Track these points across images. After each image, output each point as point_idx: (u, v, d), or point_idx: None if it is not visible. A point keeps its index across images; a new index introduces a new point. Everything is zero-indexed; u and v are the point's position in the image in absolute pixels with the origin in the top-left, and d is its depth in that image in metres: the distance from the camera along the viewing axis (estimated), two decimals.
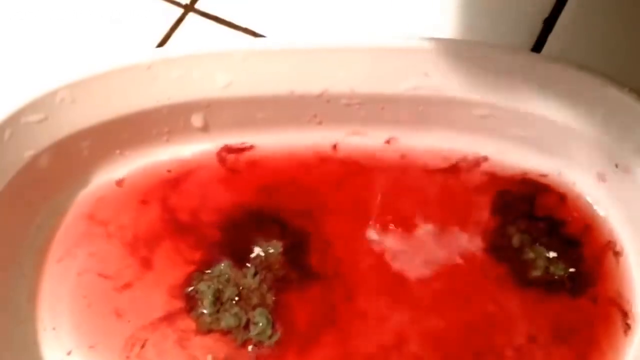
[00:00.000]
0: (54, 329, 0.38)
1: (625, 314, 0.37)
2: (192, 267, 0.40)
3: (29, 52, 0.39)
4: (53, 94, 0.37)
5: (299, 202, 0.41)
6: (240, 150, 0.43)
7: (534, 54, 0.43)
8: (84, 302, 0.39)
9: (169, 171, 0.43)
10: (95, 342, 0.38)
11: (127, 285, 0.40)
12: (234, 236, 0.41)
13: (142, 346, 0.38)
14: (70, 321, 0.39)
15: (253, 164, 0.43)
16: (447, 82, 0.40)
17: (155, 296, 0.39)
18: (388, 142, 0.43)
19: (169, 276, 0.40)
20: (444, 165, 0.42)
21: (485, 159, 0.42)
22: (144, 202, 0.42)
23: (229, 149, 0.43)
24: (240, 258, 0.40)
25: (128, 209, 0.42)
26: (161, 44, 0.44)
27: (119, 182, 0.42)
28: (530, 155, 0.42)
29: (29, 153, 0.38)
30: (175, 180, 0.42)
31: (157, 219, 0.41)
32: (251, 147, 0.43)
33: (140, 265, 0.40)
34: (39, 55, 0.39)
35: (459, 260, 0.40)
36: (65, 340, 0.38)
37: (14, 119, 0.37)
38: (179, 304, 0.39)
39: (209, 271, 0.39)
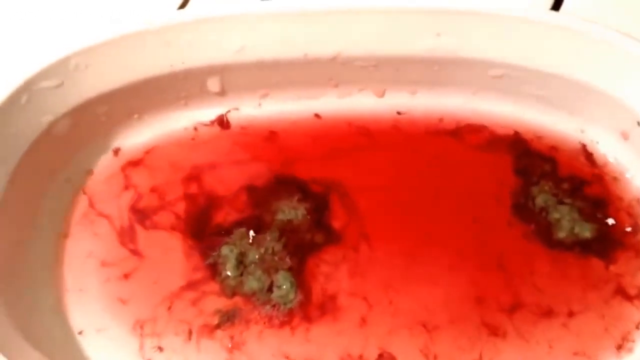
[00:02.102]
0: (80, 290, 0.38)
1: None
2: (215, 232, 0.39)
3: (43, 18, 0.39)
4: (67, 60, 0.37)
5: (320, 167, 0.41)
6: (257, 115, 0.42)
7: (553, 12, 0.42)
8: (106, 270, 0.39)
9: (189, 136, 0.42)
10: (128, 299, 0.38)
11: (142, 255, 0.39)
12: (256, 200, 0.40)
13: (169, 308, 0.38)
14: (97, 285, 0.38)
15: (272, 129, 0.42)
16: (462, 42, 0.39)
17: (179, 262, 0.39)
18: (403, 107, 0.42)
19: (192, 241, 0.39)
20: (462, 127, 0.42)
21: (505, 119, 0.41)
22: (164, 167, 0.41)
23: (247, 115, 0.42)
24: (262, 222, 0.40)
25: (149, 174, 0.41)
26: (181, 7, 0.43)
27: (139, 147, 0.42)
28: (551, 115, 0.41)
29: (47, 118, 0.37)
30: (196, 146, 0.42)
31: (178, 184, 0.41)
32: (269, 112, 0.42)
33: (162, 231, 0.40)
34: (52, 21, 0.39)
35: (483, 220, 0.39)
36: (93, 301, 0.38)
37: (30, 84, 0.36)
38: (203, 269, 0.39)
39: (231, 235, 0.39)
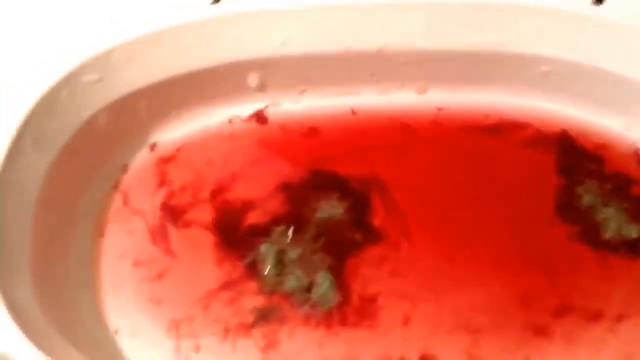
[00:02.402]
0: (119, 287, 0.38)
1: None
2: (252, 230, 0.39)
3: (84, 12, 0.38)
4: (108, 54, 0.37)
5: (360, 164, 0.40)
6: (295, 111, 0.42)
7: (600, 6, 0.41)
8: (139, 270, 0.38)
9: (226, 132, 0.42)
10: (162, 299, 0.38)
11: (176, 254, 0.39)
12: (294, 198, 0.40)
13: (206, 307, 0.37)
14: (132, 284, 0.38)
15: (312, 125, 0.42)
16: (508, 37, 0.38)
17: (214, 261, 0.38)
18: (443, 103, 0.42)
19: (229, 240, 0.39)
20: (506, 124, 0.41)
21: (550, 116, 0.41)
22: (201, 163, 0.41)
23: (285, 111, 0.42)
24: (301, 220, 0.39)
25: (184, 171, 0.41)
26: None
27: (175, 143, 0.42)
28: (596, 112, 0.40)
29: (86, 113, 0.37)
30: (233, 142, 0.41)
31: (214, 181, 0.40)
32: (307, 108, 0.42)
33: (195, 229, 0.39)
34: (94, 14, 0.38)
35: (527, 219, 0.38)
36: (128, 300, 0.38)
37: (71, 78, 0.36)
38: (240, 268, 0.38)
39: (270, 234, 0.39)
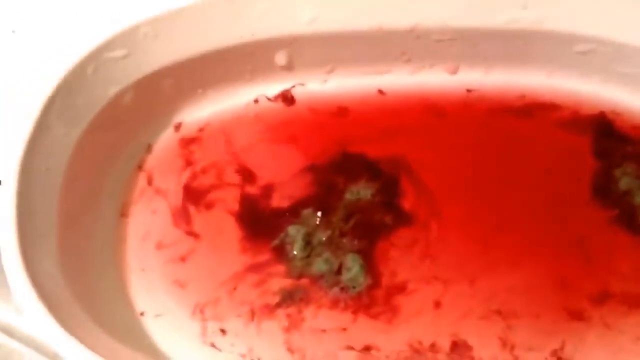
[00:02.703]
0: (143, 269, 0.37)
1: None
2: (279, 212, 0.38)
3: None
4: (136, 29, 0.36)
5: (389, 146, 0.39)
6: (323, 91, 0.41)
7: None
8: (163, 252, 0.38)
9: (252, 112, 0.41)
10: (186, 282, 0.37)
11: (199, 236, 0.38)
12: (322, 180, 0.39)
13: (235, 288, 0.36)
14: (157, 266, 0.37)
15: (340, 106, 0.41)
16: (547, 14, 0.37)
17: (241, 243, 0.38)
18: (476, 84, 0.40)
19: (256, 221, 0.38)
20: (541, 105, 0.40)
21: (587, 98, 0.39)
22: (227, 143, 0.40)
23: (312, 90, 0.41)
24: (330, 203, 0.38)
25: (210, 151, 0.40)
26: None
27: (201, 122, 0.41)
28: (636, 93, 0.39)
29: (113, 90, 0.36)
30: (259, 122, 0.41)
31: (240, 161, 0.40)
32: (335, 88, 0.41)
33: (220, 211, 0.39)
34: None
35: (562, 202, 0.37)
36: (154, 283, 0.37)
37: (97, 54, 0.35)
38: (268, 251, 0.37)
39: (299, 216, 0.38)
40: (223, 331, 0.36)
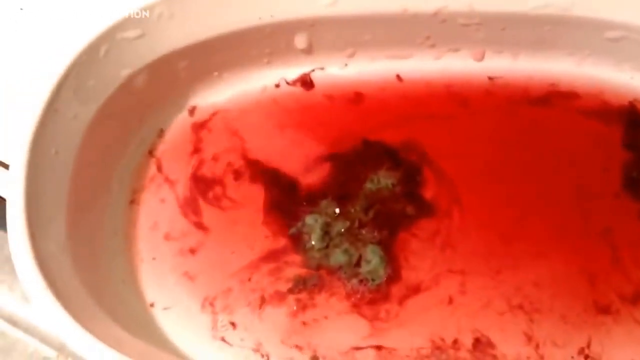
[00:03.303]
0: (153, 259, 0.36)
1: None
2: (298, 200, 0.37)
3: None
4: (150, 9, 0.34)
5: (409, 132, 0.38)
6: (343, 75, 0.39)
7: None
8: (171, 243, 0.37)
9: (270, 97, 0.39)
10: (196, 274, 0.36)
11: (208, 228, 0.37)
12: (341, 168, 0.37)
13: (249, 279, 0.35)
14: (167, 257, 0.36)
15: (359, 92, 0.39)
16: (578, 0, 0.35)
17: (259, 231, 0.36)
18: (501, 71, 0.39)
19: (273, 210, 0.37)
20: (568, 94, 0.38)
21: (617, 87, 0.38)
22: (243, 129, 0.39)
23: (332, 75, 0.39)
24: (350, 191, 0.37)
25: (226, 136, 0.39)
26: None
27: (216, 107, 0.39)
28: None
29: (125, 72, 0.35)
30: (276, 107, 0.39)
31: (256, 148, 0.38)
32: (356, 72, 0.39)
33: (239, 198, 0.37)
34: None
35: (589, 194, 0.36)
36: (164, 273, 0.36)
37: (110, 34, 0.34)
38: (284, 240, 0.36)
39: (316, 205, 0.36)
40: (233, 324, 0.35)
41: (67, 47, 0.33)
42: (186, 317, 0.35)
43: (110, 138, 0.36)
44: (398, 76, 0.39)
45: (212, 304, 0.35)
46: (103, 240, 0.36)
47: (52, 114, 0.32)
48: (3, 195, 0.33)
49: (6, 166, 0.37)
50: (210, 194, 0.38)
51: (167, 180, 0.38)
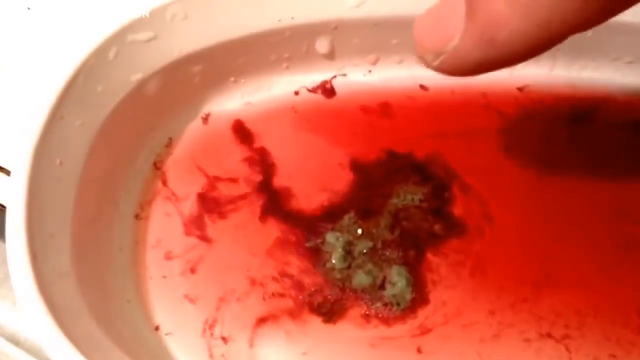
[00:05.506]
0: (162, 277, 0.34)
1: None
2: (317, 217, 0.34)
3: None
4: (163, 10, 0.32)
5: (438, 144, 0.36)
6: (367, 82, 0.37)
7: None
8: (174, 262, 0.34)
9: (288, 105, 0.37)
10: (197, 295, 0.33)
11: (212, 240, 0.34)
12: (364, 182, 0.35)
13: (264, 299, 0.33)
14: (173, 275, 0.34)
15: (384, 99, 0.37)
16: None
17: (275, 247, 0.34)
18: (536, 80, 0.36)
19: (290, 226, 0.34)
20: (609, 104, 0.36)
21: None
22: (258, 138, 0.36)
23: (354, 82, 0.37)
24: (373, 208, 0.34)
25: (239, 146, 0.36)
26: None
27: (231, 114, 0.37)
28: None
29: (136, 76, 0.32)
30: (295, 115, 0.37)
31: (276, 157, 0.36)
32: (380, 80, 0.37)
33: (254, 209, 0.35)
34: None
35: (632, 215, 0.33)
36: (167, 294, 0.33)
37: (120, 36, 0.31)
38: (302, 258, 0.34)
39: (338, 221, 0.34)
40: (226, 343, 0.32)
41: (75, 50, 0.31)
42: (186, 343, 0.32)
43: (118, 147, 0.34)
44: (424, 85, 0.37)
45: (211, 327, 0.33)
46: (109, 257, 0.33)
47: (56, 122, 0.30)
48: (3, 203, 0.31)
49: (7, 172, 0.35)
50: (220, 209, 0.35)
51: (174, 193, 0.36)
